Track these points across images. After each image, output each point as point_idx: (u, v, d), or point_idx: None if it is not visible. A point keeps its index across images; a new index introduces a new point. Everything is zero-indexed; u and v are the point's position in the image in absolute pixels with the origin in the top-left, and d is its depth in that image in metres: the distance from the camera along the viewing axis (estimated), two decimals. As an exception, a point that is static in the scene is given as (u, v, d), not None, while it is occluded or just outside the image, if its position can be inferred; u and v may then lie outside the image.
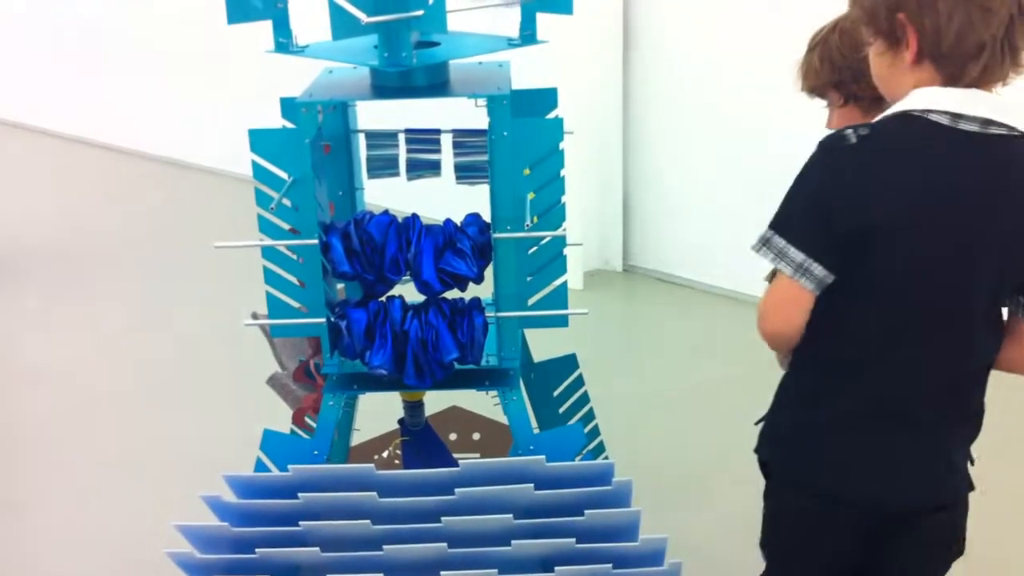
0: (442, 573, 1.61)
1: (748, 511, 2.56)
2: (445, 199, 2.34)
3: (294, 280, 1.83)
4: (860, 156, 1.49)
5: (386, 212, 1.85)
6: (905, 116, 1.50)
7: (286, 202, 1.76)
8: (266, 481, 1.76)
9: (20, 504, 3.05)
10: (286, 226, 1.80)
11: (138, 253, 4.98)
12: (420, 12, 1.72)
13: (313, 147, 1.77)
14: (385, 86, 1.85)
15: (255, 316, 1.92)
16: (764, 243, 1.57)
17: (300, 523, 1.64)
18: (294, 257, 1.82)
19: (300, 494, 1.67)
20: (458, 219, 1.87)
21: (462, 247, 1.82)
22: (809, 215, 1.54)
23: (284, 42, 1.83)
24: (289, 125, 1.93)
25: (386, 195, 2.46)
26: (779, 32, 2.52)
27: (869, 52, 1.57)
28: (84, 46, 6.48)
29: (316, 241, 1.79)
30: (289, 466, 1.73)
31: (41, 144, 6.84)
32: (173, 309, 4.35)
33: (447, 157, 1.99)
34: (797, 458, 1.70)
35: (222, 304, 3.86)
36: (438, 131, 2.00)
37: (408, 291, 1.88)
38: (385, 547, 1.60)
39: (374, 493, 1.65)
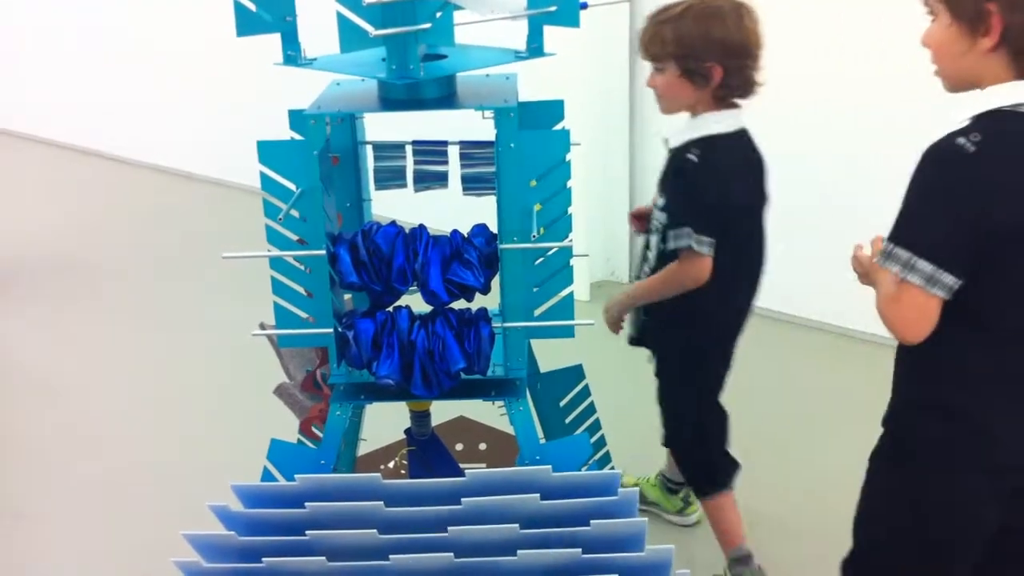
0: (448, 583, 1.62)
1: (753, 521, 2.56)
2: (452, 210, 2.35)
3: (302, 291, 1.84)
4: (984, 163, 1.52)
5: (393, 223, 1.86)
6: (1000, 115, 1.53)
7: (294, 213, 1.77)
8: (273, 491, 1.77)
9: (26, 514, 3.06)
10: (294, 237, 1.81)
11: (143, 264, 4.99)
12: (428, 25, 1.73)
13: (321, 159, 1.78)
14: (393, 98, 1.86)
15: (263, 326, 1.93)
16: (887, 256, 1.59)
17: (307, 532, 1.64)
18: (302, 268, 1.83)
19: (307, 503, 1.67)
20: (465, 230, 1.88)
21: (469, 258, 1.83)
22: (937, 226, 1.56)
23: (293, 55, 1.84)
24: (297, 137, 1.95)
25: (394, 206, 2.47)
26: (786, 42, 2.52)
27: (932, 27, 1.61)
28: (84, 56, 6.51)
29: (324, 252, 1.80)
30: (296, 476, 1.74)
31: (44, 155, 6.86)
32: (179, 320, 4.36)
33: (454, 169, 2.00)
34: (957, 435, 1.69)
35: (229, 314, 3.87)
36: (445, 143, 2.01)
37: (415, 301, 1.89)
38: (391, 557, 1.60)
39: (380, 503, 1.65)
